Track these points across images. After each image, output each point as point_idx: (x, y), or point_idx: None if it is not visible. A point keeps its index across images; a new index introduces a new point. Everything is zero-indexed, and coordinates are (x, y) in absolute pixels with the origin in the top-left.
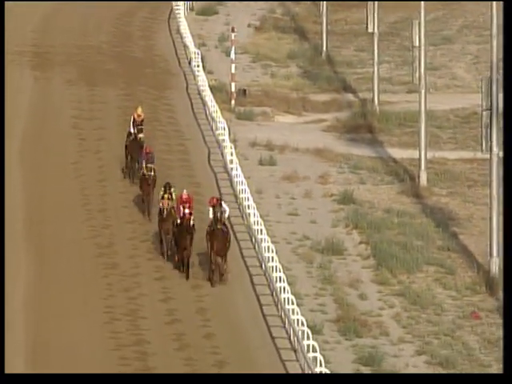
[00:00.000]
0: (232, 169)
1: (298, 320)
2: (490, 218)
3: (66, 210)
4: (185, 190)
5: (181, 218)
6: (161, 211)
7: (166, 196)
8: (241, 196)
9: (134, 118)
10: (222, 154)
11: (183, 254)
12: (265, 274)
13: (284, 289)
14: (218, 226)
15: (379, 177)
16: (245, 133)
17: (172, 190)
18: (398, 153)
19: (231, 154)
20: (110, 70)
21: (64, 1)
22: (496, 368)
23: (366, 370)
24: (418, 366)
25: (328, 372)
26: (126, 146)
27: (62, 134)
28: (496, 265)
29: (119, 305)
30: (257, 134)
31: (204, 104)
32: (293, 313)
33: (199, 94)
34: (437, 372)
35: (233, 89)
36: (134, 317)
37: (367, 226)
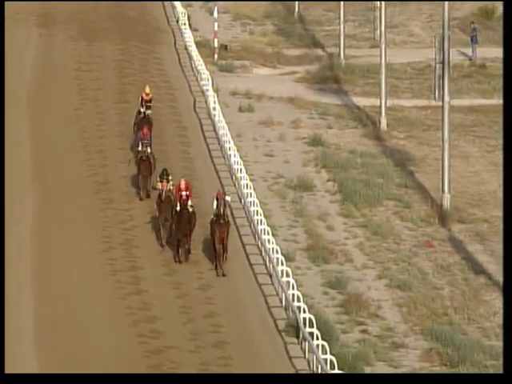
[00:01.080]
0: (215, 115)
1: (273, 248)
2: (442, 159)
3: (68, 150)
4: (183, 179)
5: (179, 203)
6: (160, 195)
7: (163, 183)
8: (222, 139)
9: (142, 97)
10: (206, 102)
11: (179, 239)
12: (244, 208)
13: (261, 221)
14: (221, 221)
15: (344, 122)
16: (226, 83)
17: (170, 177)
18: (361, 101)
19: (214, 102)
20: (107, 28)
21: None
22: (447, 290)
23: (333, 293)
24: (379, 288)
25: (311, 317)
26: (134, 124)
27: (64, 84)
28: (447, 200)
29: (115, 235)
30: (237, 85)
31: (190, 58)
32: (268, 242)
33: (186, 49)
34: (395, 293)
35: (215, 44)
36: (128, 246)
37: (334, 165)
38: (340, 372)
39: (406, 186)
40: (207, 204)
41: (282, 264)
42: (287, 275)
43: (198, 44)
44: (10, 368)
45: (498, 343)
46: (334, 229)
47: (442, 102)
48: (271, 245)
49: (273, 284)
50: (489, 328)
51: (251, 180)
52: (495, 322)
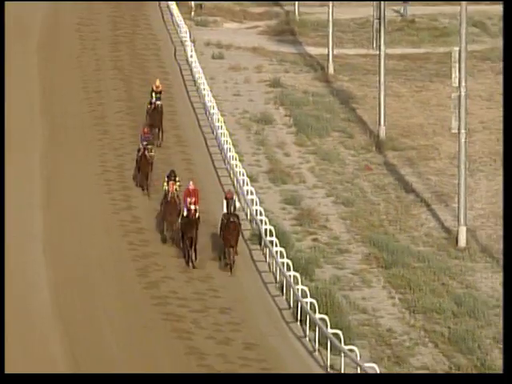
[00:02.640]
0: (192, 62)
1: (240, 171)
2: (379, 97)
3: (71, 91)
4: (191, 182)
5: (187, 210)
6: (166, 195)
7: (171, 183)
8: (198, 81)
9: (152, 89)
10: (185, 50)
11: (188, 248)
12: (215, 138)
13: (229, 149)
14: (231, 219)
15: (299, 67)
16: (201, 35)
17: (177, 178)
18: (312, 50)
19: (191, 51)
20: None
21: None
22: (383, 206)
23: (289, 208)
24: (327, 204)
25: (272, 228)
26: (147, 113)
27: (67, 36)
28: (383, 131)
29: (110, 160)
30: (210, 37)
31: (171, 15)
32: (236, 166)
33: (168, 7)
34: (340, 209)
35: (192, 4)
36: (120, 169)
37: (290, 103)
38: (340, 372)
39: (349, 120)
40: (183, 126)
41: (247, 184)
42: (251, 193)
43: (177, 3)
44: (20, 275)
45: (424, 249)
46: (290, 155)
47: (379, 50)
48: (238, 168)
49: (239, 201)
50: (417, 237)
51: (222, 115)
52: (422, 231)
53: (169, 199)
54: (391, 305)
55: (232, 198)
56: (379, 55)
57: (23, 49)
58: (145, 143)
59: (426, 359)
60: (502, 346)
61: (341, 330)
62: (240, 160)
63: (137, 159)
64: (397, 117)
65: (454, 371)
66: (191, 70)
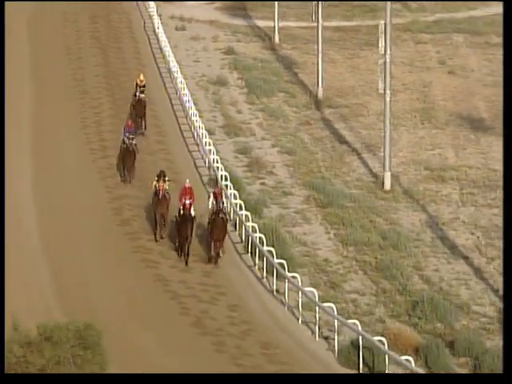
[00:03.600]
0: (158, 32)
1: (199, 126)
2: (317, 63)
3: (56, 58)
4: (187, 180)
5: (183, 209)
6: (156, 193)
7: (160, 182)
8: (164, 49)
9: (136, 83)
10: (152, 23)
11: (184, 241)
12: (179, 99)
13: (191, 107)
14: (220, 215)
15: (249, 38)
16: (166, 10)
17: (166, 178)
18: (261, 23)
19: (158, 24)
20: None
21: None
22: (321, 155)
23: (241, 157)
24: (273, 154)
25: (227, 174)
26: (131, 105)
27: (53, 12)
28: (320, 92)
29: (89, 117)
30: (174, 12)
31: None
32: (196, 121)
33: None
34: (285, 157)
35: None
36: (98, 124)
37: (242, 68)
38: (339, 373)
39: (292, 82)
40: (151, 88)
41: (206, 137)
42: (209, 145)
43: None
44: (11, 212)
45: (355, 191)
46: (242, 112)
47: (317, 23)
48: (198, 123)
49: (199, 151)
50: (349, 181)
51: (184, 78)
52: (353, 176)
53: (159, 196)
54: (327, 239)
55: (221, 195)
56: (317, 27)
57: (16, 24)
58: (127, 134)
59: (357, 284)
60: (502, 348)
61: (285, 260)
62: (200, 116)
63: (121, 150)
64: (332, 80)
65: (380, 294)
66: (158, 39)
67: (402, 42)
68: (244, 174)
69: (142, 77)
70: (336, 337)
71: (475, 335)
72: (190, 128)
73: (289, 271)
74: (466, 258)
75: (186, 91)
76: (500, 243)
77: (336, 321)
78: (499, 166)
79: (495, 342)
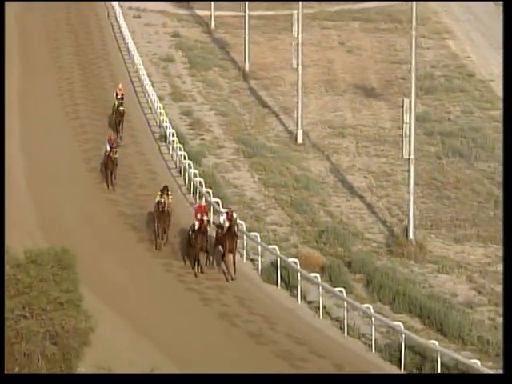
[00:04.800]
0: (119, 20)
1: (152, 93)
2: (244, 44)
3: (38, 41)
4: (203, 200)
5: (199, 223)
6: (159, 204)
7: (164, 196)
8: (124, 33)
9: (116, 92)
10: (115, 13)
11: (198, 253)
12: (136, 72)
13: (146, 79)
14: (232, 231)
15: (191, 24)
16: (126, 3)
17: (170, 192)
18: (200, 12)
19: (119, 13)
20: None
21: None
22: (247, 116)
23: (185, 118)
24: (211, 115)
25: (174, 131)
26: (112, 113)
27: (37, 11)
28: (247, 66)
29: (64, 86)
30: (131, 4)
31: None
32: (149, 90)
33: None
34: (219, 118)
35: None
36: (71, 92)
37: (186, 48)
38: (338, 373)
39: (225, 59)
40: (113, 63)
41: (157, 102)
42: (160, 108)
43: None
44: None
45: (274, 145)
46: (186, 83)
47: (245, 12)
48: (151, 91)
49: (152, 113)
50: (270, 137)
51: (140, 56)
52: (273, 133)
53: (163, 209)
54: (253, 182)
55: (232, 216)
56: (245, 16)
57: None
58: (110, 146)
59: (276, 217)
60: (502, 348)
61: (220, 198)
62: (152, 86)
63: (104, 158)
64: (256, 57)
65: (294, 225)
66: (119, 26)
67: (310, 27)
68: (187, 131)
69: (120, 86)
70: (259, 259)
71: (367, 257)
72: (145, 95)
73: (223, 207)
74: (360, 196)
75: (142, 66)
76: (388, 185)
77: (259, 246)
78: (386, 125)
79: (383, 262)
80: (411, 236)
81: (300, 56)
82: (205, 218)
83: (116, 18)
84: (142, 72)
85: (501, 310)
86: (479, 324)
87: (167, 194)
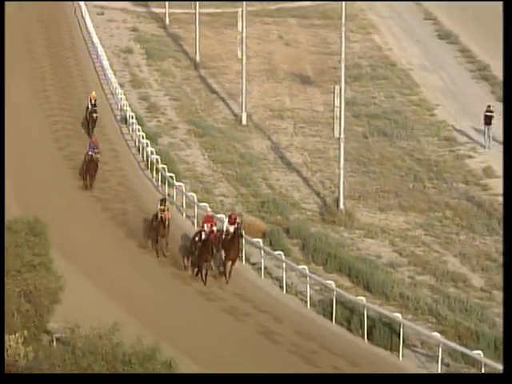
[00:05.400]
0: (85, 16)
1: (114, 80)
2: (195, 38)
3: (14, 37)
4: (209, 209)
5: (206, 235)
6: (156, 215)
7: (162, 207)
8: (89, 28)
9: (90, 98)
10: (81, 10)
11: (204, 264)
12: (100, 62)
13: (108, 68)
14: (236, 238)
15: (148, 20)
16: (91, 3)
17: (167, 203)
18: (156, 10)
19: (84, 10)
20: None
21: None
22: (198, 101)
23: (143, 102)
24: (165, 100)
25: (133, 114)
26: (86, 119)
27: (12, 9)
28: (198, 56)
29: (35, 74)
30: (96, 4)
31: None
32: (111, 77)
33: None
34: (173, 103)
35: None
36: (43, 79)
37: (143, 41)
38: (337, 373)
39: (178, 50)
40: (78, 53)
41: (118, 88)
42: (121, 94)
43: None
44: None
45: (222, 126)
46: (143, 72)
47: (196, 10)
48: (113, 79)
49: (114, 99)
50: (218, 119)
51: (103, 47)
52: (221, 116)
53: (164, 224)
54: (203, 159)
55: (236, 222)
56: (195, 13)
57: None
58: (93, 149)
59: (223, 190)
60: (502, 348)
61: (174, 173)
62: (115, 75)
63: (85, 161)
64: (206, 49)
65: (239, 196)
66: (85, 21)
67: (253, 23)
68: (145, 114)
69: (94, 93)
70: None
71: (303, 224)
72: (107, 82)
73: (176, 181)
74: (297, 171)
75: (105, 57)
76: (321, 161)
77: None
78: (320, 108)
79: (317, 229)
80: (341, 206)
81: (244, 48)
82: (214, 228)
83: (82, 15)
84: (105, 62)
85: (419, 269)
86: (400, 282)
87: (164, 205)
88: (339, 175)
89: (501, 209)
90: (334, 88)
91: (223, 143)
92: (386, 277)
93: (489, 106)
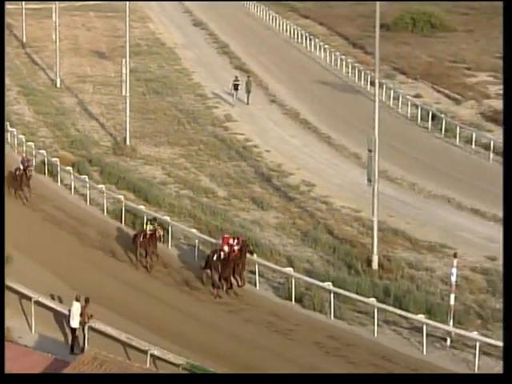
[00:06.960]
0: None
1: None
2: (22, 25)
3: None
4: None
5: (228, 254)
6: (141, 233)
7: (148, 227)
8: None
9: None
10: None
11: (220, 280)
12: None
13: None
14: (242, 259)
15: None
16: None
17: (156, 224)
18: None
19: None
20: None
21: None
22: (25, 71)
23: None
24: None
25: None
26: (17, 176)
27: None
28: (24, 39)
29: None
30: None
31: None
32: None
33: None
34: (7, 72)
35: None
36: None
37: None
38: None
39: (10, 35)
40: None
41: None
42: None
43: None
44: None
45: (42, 88)
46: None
47: (23, 6)
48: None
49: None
50: (40, 83)
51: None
52: (40, 81)
53: (147, 237)
54: (29, 111)
55: (243, 244)
56: (22, 8)
57: None
58: (25, 164)
59: (44, 133)
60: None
61: (8, 122)
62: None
63: (17, 175)
64: (30, 33)
65: (56, 137)
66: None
67: (63, 16)
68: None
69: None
70: (33, 159)
71: (101, 156)
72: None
73: (10, 127)
74: (96, 119)
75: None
76: (114, 112)
77: (33, 151)
78: (112, 75)
79: (111, 159)
80: (128, 143)
81: (57, 33)
82: (236, 247)
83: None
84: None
85: (182, 186)
86: (169, 195)
87: (153, 225)
88: (126, 122)
89: (238, 143)
90: (122, 60)
91: (43, 100)
92: (159, 191)
93: (236, 77)
